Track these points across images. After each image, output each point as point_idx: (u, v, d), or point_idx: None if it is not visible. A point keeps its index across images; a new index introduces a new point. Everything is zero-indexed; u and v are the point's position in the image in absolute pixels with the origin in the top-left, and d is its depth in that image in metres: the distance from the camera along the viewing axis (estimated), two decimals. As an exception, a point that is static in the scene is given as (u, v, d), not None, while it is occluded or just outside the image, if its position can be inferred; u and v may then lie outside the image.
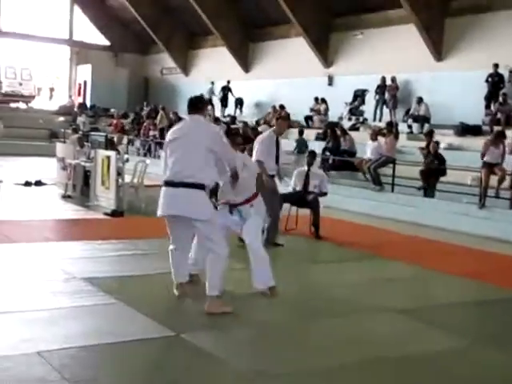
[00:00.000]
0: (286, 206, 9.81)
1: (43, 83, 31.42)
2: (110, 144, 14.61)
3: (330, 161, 15.57)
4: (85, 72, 30.18)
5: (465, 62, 16.93)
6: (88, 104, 29.35)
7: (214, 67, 25.89)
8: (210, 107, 23.00)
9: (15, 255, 7.31)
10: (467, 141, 15.19)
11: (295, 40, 21.88)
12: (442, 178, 12.92)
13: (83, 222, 10.15)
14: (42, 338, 4.58)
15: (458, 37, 17.23)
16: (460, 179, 12.93)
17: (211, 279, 5.43)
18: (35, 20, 29.39)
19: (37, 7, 29.40)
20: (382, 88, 18.67)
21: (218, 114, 23.68)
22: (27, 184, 13.86)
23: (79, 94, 30.47)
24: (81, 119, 25.37)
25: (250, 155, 7.53)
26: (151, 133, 22.23)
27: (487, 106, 16.08)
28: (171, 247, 5.74)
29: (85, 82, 30.20)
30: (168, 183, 5.44)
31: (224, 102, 24.30)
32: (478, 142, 13.10)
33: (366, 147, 14.50)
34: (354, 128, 18.35)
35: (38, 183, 14.04)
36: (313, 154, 10.27)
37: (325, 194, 10.08)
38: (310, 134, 18.57)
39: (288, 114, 9.10)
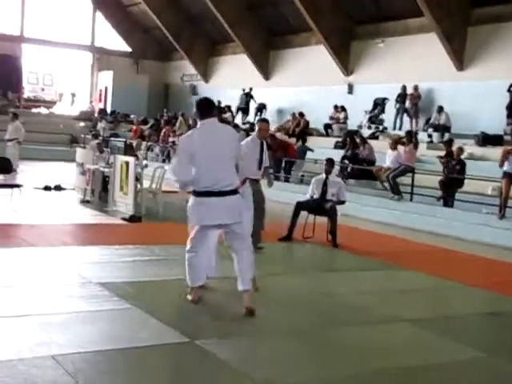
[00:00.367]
0: (303, 213, 9.79)
1: (65, 89, 31.73)
2: (129, 149, 14.66)
3: (349, 169, 15.52)
4: (106, 78, 30.45)
5: (486, 71, 16.79)
6: (108, 110, 29.59)
7: (234, 74, 25.97)
8: (229, 114, 23.09)
9: (33, 259, 7.34)
10: (488, 150, 15.05)
11: (316, 48, 21.88)
12: (462, 188, 12.81)
13: (101, 227, 10.19)
14: (57, 341, 4.58)
15: (479, 46, 17.09)
16: (479, 189, 12.80)
17: (248, 273, 5.56)
18: (58, 26, 29.72)
19: (60, 14, 29.73)
20: (402, 97, 18.59)
21: (238, 120, 23.70)
22: (47, 188, 13.98)
23: (100, 100, 30.74)
24: (101, 125, 25.57)
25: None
26: (170, 139, 22.34)
27: (509, 116, 15.90)
28: (193, 253, 5.67)
29: (106, 88, 30.46)
30: (209, 193, 5.40)
31: (245, 109, 24.30)
32: (499, 152, 12.97)
33: (386, 156, 14.43)
34: (374, 136, 18.28)
35: (58, 188, 14.15)
36: (331, 162, 10.22)
37: (343, 202, 10.03)
38: (329, 142, 18.55)
39: (266, 119, 9.09)
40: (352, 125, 19.67)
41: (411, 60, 18.49)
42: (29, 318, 5.13)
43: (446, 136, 16.36)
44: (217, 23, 25.02)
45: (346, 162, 15.75)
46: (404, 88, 18.50)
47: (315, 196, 9.96)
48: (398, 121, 18.83)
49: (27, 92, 29.82)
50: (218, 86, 27.01)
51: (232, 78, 25.93)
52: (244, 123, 23.41)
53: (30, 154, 20.65)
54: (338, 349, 5.05)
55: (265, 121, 8.50)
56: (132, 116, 28.32)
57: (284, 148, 17.38)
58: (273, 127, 20.92)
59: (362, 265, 8.55)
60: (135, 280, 6.65)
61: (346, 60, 21.24)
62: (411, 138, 14.65)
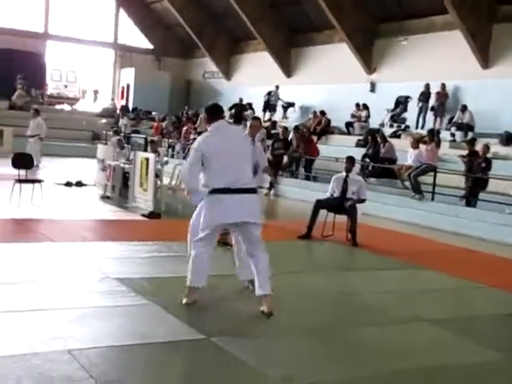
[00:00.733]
0: (323, 212, 9.72)
1: (88, 86, 31.94)
2: (151, 143, 14.68)
3: (370, 167, 15.41)
4: (128, 75, 30.57)
5: (512, 68, 16.57)
6: (130, 107, 29.72)
7: (255, 72, 25.93)
8: (250, 111, 23.03)
9: (53, 254, 7.38)
10: (512, 150, 14.86)
11: (338, 46, 21.74)
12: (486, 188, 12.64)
13: (121, 223, 10.22)
14: (73, 336, 4.58)
15: (505, 43, 16.82)
16: (503, 189, 12.61)
17: (266, 276, 5.50)
18: (81, 23, 29.91)
19: (83, 11, 29.92)
20: (425, 95, 18.38)
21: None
22: (68, 184, 14.07)
23: (122, 97, 30.88)
24: (123, 121, 25.67)
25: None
26: (191, 136, 22.35)
27: (534, 115, 15.69)
28: (201, 253, 5.58)
29: (128, 85, 30.58)
30: (229, 190, 5.35)
31: (270, 107, 24.20)
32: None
33: (407, 155, 14.29)
34: (396, 135, 18.12)
35: (79, 184, 14.23)
36: (351, 160, 10.12)
37: (363, 200, 9.94)
38: (350, 141, 18.44)
39: (258, 117, 9.15)
40: (374, 123, 19.52)
41: (435, 58, 18.29)
42: (46, 313, 5.15)
43: (470, 135, 16.16)
44: (239, 20, 24.99)
45: (367, 160, 15.64)
46: (427, 86, 18.29)
47: (335, 194, 9.88)
48: (421, 119, 18.64)
49: (50, 89, 30.00)
50: (239, 84, 26.99)
51: (254, 75, 25.89)
52: (265, 121, 23.35)
53: (53, 150, 20.82)
54: (357, 349, 4.99)
55: (256, 119, 8.56)
56: (154, 113, 28.41)
57: (306, 142, 17.24)
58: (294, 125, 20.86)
59: (381, 264, 8.46)
60: (153, 276, 6.65)
61: (368, 58, 21.09)
62: (433, 136, 14.48)
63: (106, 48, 31.58)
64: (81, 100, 30.92)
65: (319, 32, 22.90)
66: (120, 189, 12.73)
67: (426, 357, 4.91)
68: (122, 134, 20.16)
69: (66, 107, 29.72)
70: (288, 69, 24.77)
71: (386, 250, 9.36)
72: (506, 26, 16.81)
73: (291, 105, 23.62)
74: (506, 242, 10.61)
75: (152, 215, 10.67)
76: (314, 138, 18.99)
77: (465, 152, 13.70)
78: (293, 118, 23.21)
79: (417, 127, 18.53)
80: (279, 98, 23.98)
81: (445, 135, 16.56)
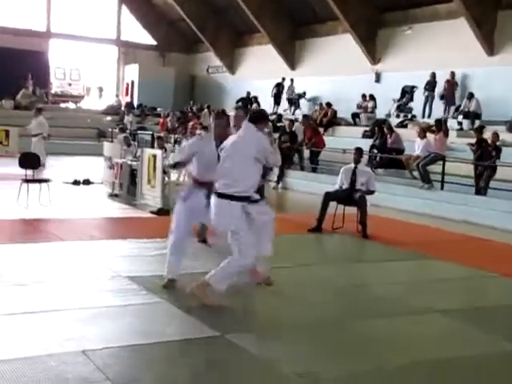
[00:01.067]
0: (332, 204, 9.68)
1: (92, 83, 31.93)
2: (158, 139, 14.66)
3: (377, 158, 15.34)
4: (132, 72, 30.55)
5: (518, 56, 16.45)
6: (135, 103, 29.68)
7: (260, 65, 25.84)
8: (255, 105, 22.96)
9: (63, 253, 7.37)
10: (520, 137, 14.75)
11: (342, 37, 21.63)
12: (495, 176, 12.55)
13: (129, 221, 10.20)
14: (87, 336, 4.57)
15: (511, 30, 16.70)
16: (512, 177, 12.53)
17: (219, 270, 5.46)
18: (84, 21, 29.86)
19: (85, 8, 29.86)
20: (431, 84, 18.27)
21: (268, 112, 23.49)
22: (75, 183, 14.06)
23: (127, 94, 30.85)
24: (128, 118, 25.62)
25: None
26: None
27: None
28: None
29: (132, 82, 30.56)
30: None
31: (277, 100, 24.10)
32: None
33: (415, 144, 14.22)
34: (402, 125, 18.02)
35: (86, 182, 14.22)
36: (359, 151, 10.05)
37: (372, 192, 9.89)
38: (357, 132, 18.36)
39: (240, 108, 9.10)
40: (380, 114, 19.43)
41: (440, 47, 18.16)
42: (58, 313, 5.14)
43: (477, 123, 16.06)
44: (242, 14, 24.89)
45: (375, 151, 15.57)
46: (433, 75, 18.18)
47: (344, 186, 9.83)
48: (427, 109, 18.54)
49: (55, 87, 30.03)
50: (244, 78, 26.92)
51: (258, 69, 25.79)
52: (271, 114, 23.25)
53: (58, 149, 20.80)
54: (368, 341, 4.97)
55: (240, 109, 8.51)
56: (159, 109, 28.37)
57: (314, 133, 17.18)
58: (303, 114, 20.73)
59: (392, 255, 8.41)
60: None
61: (373, 48, 20.98)
62: (441, 125, 14.39)
63: (109, 45, 31.54)
64: (85, 98, 30.92)
65: (323, 23, 22.79)
66: (128, 186, 12.71)
67: (438, 348, 4.88)
68: (128, 131, 20.10)
69: (71, 105, 29.73)
70: (292, 61, 24.68)
71: (396, 240, 9.31)
72: (511, 13, 16.67)
73: (302, 95, 23.51)
74: (517, 230, 10.53)
75: (161, 212, 10.64)
76: (321, 129, 18.92)
77: (473, 140, 13.61)
78: (298, 110, 23.15)
79: (423, 116, 18.43)
80: (294, 91, 23.82)
81: (452, 123, 16.46)
